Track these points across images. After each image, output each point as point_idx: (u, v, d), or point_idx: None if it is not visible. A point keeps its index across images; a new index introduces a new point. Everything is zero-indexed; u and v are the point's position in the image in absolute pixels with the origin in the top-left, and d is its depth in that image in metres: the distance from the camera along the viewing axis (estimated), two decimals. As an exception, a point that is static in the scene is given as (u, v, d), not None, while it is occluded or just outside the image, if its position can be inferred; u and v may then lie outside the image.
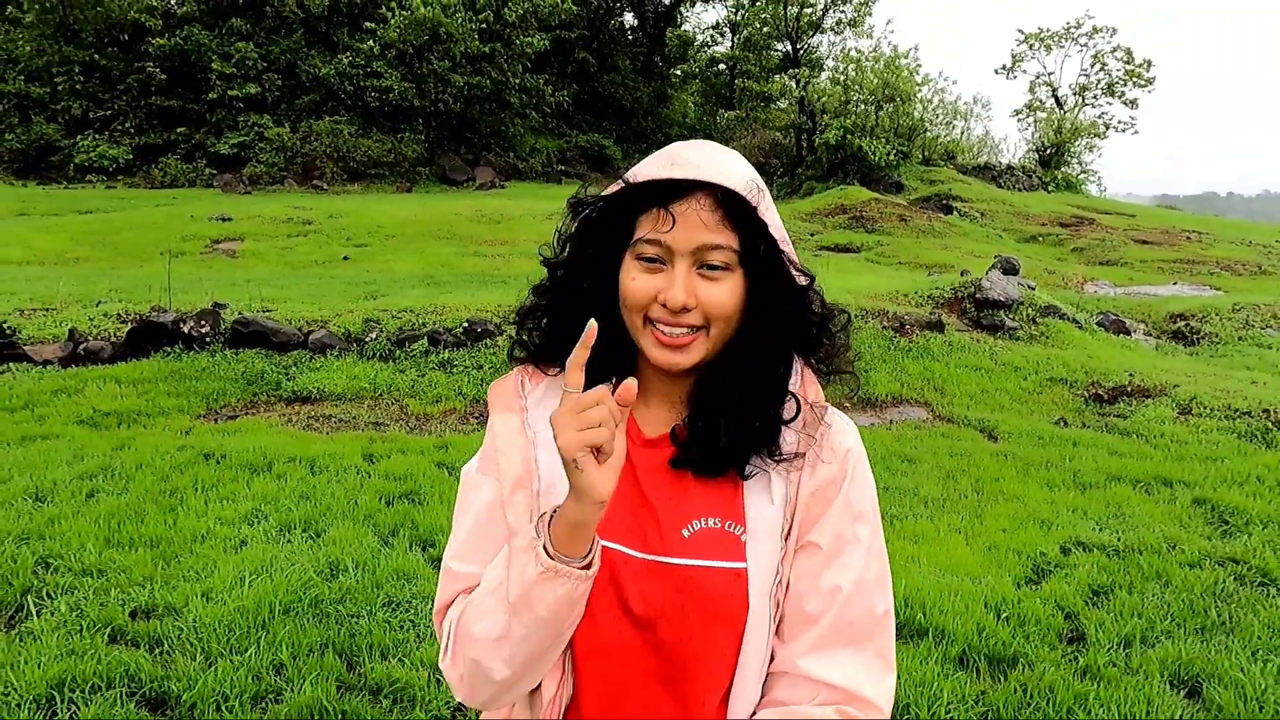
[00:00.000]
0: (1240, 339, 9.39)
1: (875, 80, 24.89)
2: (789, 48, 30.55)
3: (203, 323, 7.31)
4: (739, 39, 33.77)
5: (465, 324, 7.42)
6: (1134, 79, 36.04)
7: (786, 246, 0.90)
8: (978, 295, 8.36)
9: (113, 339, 7.44)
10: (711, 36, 38.87)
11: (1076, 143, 33.54)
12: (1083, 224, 21.21)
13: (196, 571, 3.50)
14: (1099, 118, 36.30)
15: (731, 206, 0.87)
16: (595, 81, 41.57)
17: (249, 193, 26.06)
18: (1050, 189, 29.85)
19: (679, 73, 45.07)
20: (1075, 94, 36.96)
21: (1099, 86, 36.65)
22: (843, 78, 26.04)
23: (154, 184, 27.78)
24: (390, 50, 30.40)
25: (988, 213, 21.27)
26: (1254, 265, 16.93)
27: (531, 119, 36.57)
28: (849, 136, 23.61)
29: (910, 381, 6.95)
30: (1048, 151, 33.06)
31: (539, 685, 0.94)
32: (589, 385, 0.95)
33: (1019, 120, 37.82)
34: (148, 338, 7.30)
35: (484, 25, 31.33)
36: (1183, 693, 2.73)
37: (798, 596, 0.90)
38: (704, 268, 0.89)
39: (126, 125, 29.50)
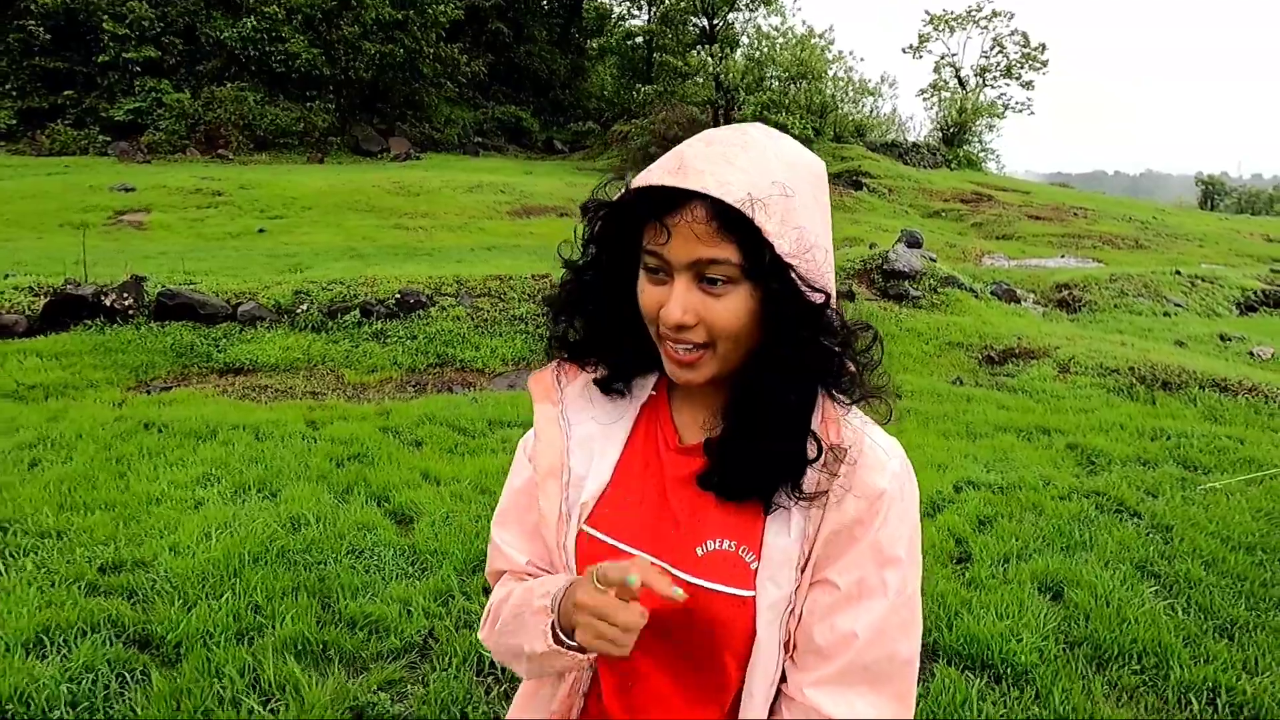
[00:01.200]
0: (1115, 306, 10.33)
1: (788, 57, 25.50)
2: (705, 23, 30.88)
3: (125, 295, 7.20)
4: (656, 13, 33.89)
5: (397, 296, 7.54)
6: (1030, 62, 37.90)
7: (800, 260, 0.82)
8: (885, 267, 8.96)
9: (27, 313, 7.25)
10: (628, 10, 38.82)
11: (977, 122, 35.10)
12: (982, 200, 22.40)
13: (159, 529, 3.65)
14: (998, 98, 38.06)
15: (732, 216, 0.81)
16: (511, 52, 41.04)
17: (148, 161, 24.88)
18: (953, 167, 31.24)
19: (596, 45, 44.94)
20: (976, 75, 38.60)
21: (998, 69, 38.37)
22: (757, 54, 26.57)
23: (41, 151, 26.14)
24: (297, 15, 29.32)
25: (895, 189, 22.23)
26: (1132, 240, 18.32)
27: (446, 89, 35.90)
28: (765, 113, 24.16)
29: (824, 347, 7.47)
30: (951, 130, 34.51)
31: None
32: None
33: (924, 99, 39.28)
34: (65, 311, 7.15)
35: (396, -9, 30.53)
36: (1049, 596, 3.24)
37: (809, 629, 0.88)
38: (705, 281, 0.84)
39: (7, 88, 27.61)
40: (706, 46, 28.77)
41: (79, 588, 3.13)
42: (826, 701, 0.86)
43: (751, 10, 30.12)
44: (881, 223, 17.56)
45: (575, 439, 0.99)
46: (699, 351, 0.87)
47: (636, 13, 37.82)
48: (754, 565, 0.89)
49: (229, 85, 28.79)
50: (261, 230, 13.84)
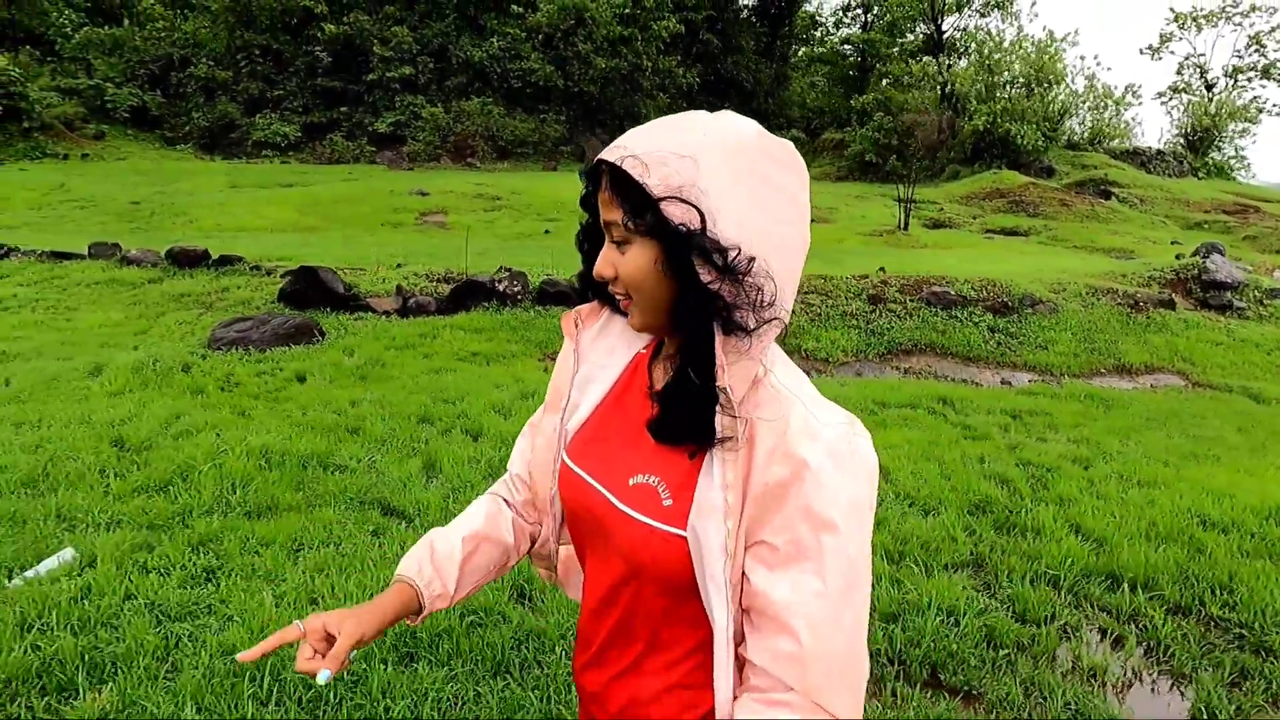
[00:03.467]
0: None
1: (1021, 65, 24.77)
2: (930, 29, 30.43)
3: (515, 283, 8.52)
4: (876, 21, 33.73)
5: (738, 290, 8.42)
6: (1294, 60, 34.41)
7: (673, 195, 0.86)
8: (1203, 277, 8.86)
9: (434, 295, 8.74)
10: (840, 18, 38.81)
11: (1228, 127, 32.31)
12: (1247, 211, 20.80)
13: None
14: (1251, 101, 34.82)
15: (623, 179, 0.88)
16: (719, 63, 42.22)
17: (411, 169, 27.90)
18: (1201, 175, 28.99)
19: (803, 54, 45.24)
20: (1227, 76, 35.52)
21: (1254, 69, 35.11)
22: (988, 61, 25.96)
23: (321, 159, 29.99)
24: (537, 34, 31.83)
25: (1146, 199, 21.08)
26: None
27: (660, 100, 37.58)
28: (998, 121, 23.63)
29: (1157, 352, 7.59)
30: (1196, 136, 31.98)
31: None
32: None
33: (1163, 103, 36.56)
34: (467, 294, 8.56)
35: (624, 9, 32.41)
36: None
37: (752, 586, 0.89)
38: (614, 240, 0.93)
39: (295, 105, 31.84)
40: (932, 56, 28.36)
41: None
42: (774, 665, 0.86)
43: (983, 15, 29.39)
44: (1144, 234, 16.84)
45: (581, 373, 1.10)
46: (628, 300, 0.95)
47: (850, 21, 37.68)
48: (667, 502, 0.93)
49: (474, 100, 31.68)
50: (547, 231, 15.36)
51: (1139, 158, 27.36)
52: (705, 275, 0.86)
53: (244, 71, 31.36)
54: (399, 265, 9.91)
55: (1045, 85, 24.51)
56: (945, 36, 28.84)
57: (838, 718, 0.86)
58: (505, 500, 1.22)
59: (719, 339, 0.88)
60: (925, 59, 29.41)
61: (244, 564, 3.31)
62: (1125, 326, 8.08)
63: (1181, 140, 32.43)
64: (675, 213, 0.85)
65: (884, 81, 29.48)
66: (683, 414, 0.92)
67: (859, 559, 0.87)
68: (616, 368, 1.09)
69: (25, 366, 6.32)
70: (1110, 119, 27.44)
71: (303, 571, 3.24)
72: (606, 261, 0.94)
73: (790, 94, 44.91)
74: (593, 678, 1.07)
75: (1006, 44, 25.71)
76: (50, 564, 3.23)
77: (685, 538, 0.91)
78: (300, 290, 8.44)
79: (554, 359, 7.50)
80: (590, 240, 1.04)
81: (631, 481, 0.97)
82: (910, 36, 31.75)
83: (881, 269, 9.47)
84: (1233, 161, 32.70)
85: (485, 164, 29.75)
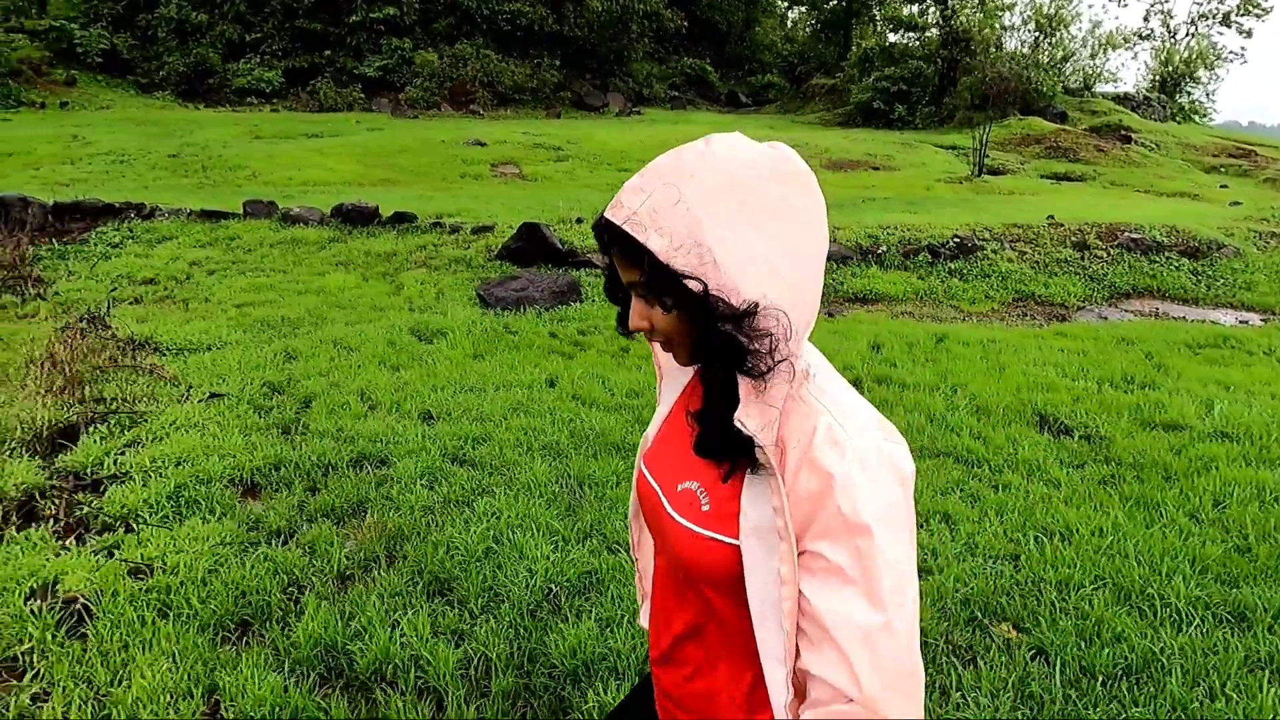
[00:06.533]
0: None
1: (1034, 11, 25.37)
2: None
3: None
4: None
5: (954, 240, 8.70)
6: (1250, 7, 36.14)
7: (676, 255, 0.88)
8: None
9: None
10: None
11: (1197, 72, 33.88)
12: (1247, 155, 22.06)
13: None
14: (1211, 47, 36.50)
15: (628, 241, 0.90)
16: (694, 5, 41.75)
17: (416, 117, 26.93)
18: (1179, 120, 30.45)
19: (776, -4, 45.04)
20: (1189, 23, 37.07)
21: (1214, 16, 36.73)
22: (996, 6, 26.48)
23: (310, 107, 28.60)
24: (528, -26, 30.82)
25: (1161, 144, 22.13)
26: None
27: (645, 45, 37.02)
28: (1012, 67, 24.25)
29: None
30: (1171, 82, 33.42)
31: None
32: None
33: (1129, 48, 37.93)
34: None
35: (617, -51, 31.64)
36: None
37: (802, 603, 0.90)
38: (640, 296, 0.96)
39: (275, 49, 30.14)
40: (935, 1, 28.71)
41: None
42: (827, 670, 0.87)
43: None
44: (1188, 178, 17.79)
45: (663, 382, 1.21)
46: (667, 344, 1.00)
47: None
48: (705, 507, 0.98)
49: (465, 43, 30.58)
50: (636, 182, 15.27)
51: (1129, 103, 28.50)
52: (719, 323, 0.89)
53: (219, 13, 29.44)
54: (579, 220, 9.83)
55: (1054, 31, 25.21)
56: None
57: None
58: None
59: (740, 379, 0.92)
60: (927, 3, 29.72)
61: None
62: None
63: (1154, 84, 33.86)
64: (681, 267, 0.88)
65: (882, 26, 29.69)
66: (713, 439, 0.97)
67: (901, 561, 0.88)
68: (686, 376, 1.15)
69: (338, 332, 6.17)
70: (1102, 65, 28.46)
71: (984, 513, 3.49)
72: (639, 315, 0.97)
73: (759, 36, 44.81)
74: (669, 676, 1.13)
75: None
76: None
77: (718, 540, 0.96)
78: (523, 247, 8.35)
79: (815, 311, 7.69)
80: (617, 286, 1.05)
81: (679, 487, 1.03)
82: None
83: (1051, 217, 9.89)
84: (1207, 105, 34.40)
85: (488, 112, 28.91)
